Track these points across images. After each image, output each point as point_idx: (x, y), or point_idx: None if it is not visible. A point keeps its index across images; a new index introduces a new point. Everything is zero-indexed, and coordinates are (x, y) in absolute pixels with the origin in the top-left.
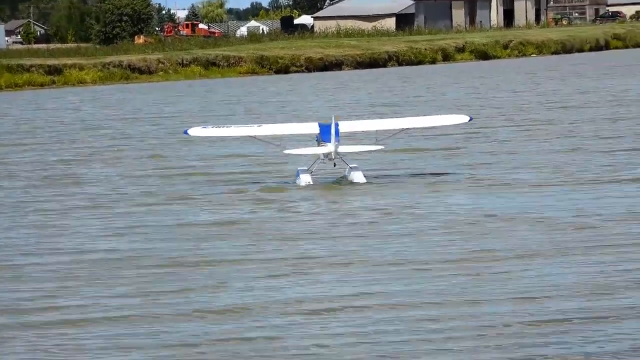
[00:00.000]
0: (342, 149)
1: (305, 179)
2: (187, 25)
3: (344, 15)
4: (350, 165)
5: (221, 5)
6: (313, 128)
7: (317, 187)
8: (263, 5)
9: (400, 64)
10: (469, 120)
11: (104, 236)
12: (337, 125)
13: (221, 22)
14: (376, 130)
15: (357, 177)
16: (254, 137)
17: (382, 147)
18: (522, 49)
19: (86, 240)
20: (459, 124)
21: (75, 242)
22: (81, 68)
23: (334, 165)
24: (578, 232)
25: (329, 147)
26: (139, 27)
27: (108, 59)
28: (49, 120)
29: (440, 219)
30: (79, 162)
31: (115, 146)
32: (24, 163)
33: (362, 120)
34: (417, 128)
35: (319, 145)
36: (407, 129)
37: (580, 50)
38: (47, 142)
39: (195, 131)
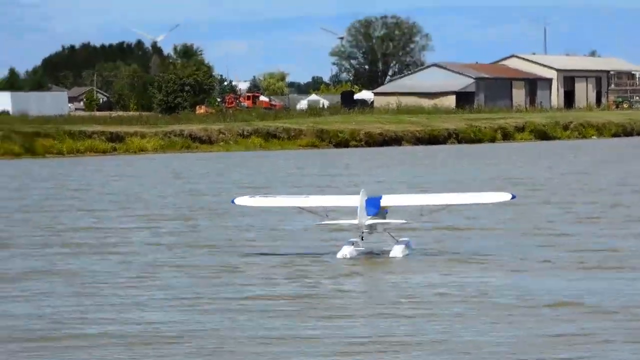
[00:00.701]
0: (367, 221)
1: (343, 252)
2: (248, 97)
3: (405, 92)
4: (400, 239)
5: (282, 78)
6: (356, 200)
7: (347, 262)
8: (324, 79)
9: (459, 142)
10: (511, 199)
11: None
12: (374, 199)
13: (282, 94)
14: (421, 206)
15: (394, 251)
16: (301, 207)
17: (405, 221)
18: (582, 131)
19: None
20: (501, 202)
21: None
22: (143, 136)
23: (362, 239)
24: None
25: (356, 220)
26: (201, 97)
27: (169, 128)
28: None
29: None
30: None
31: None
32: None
33: (407, 195)
34: (460, 205)
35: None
36: (449, 205)
37: None
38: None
39: (242, 200)
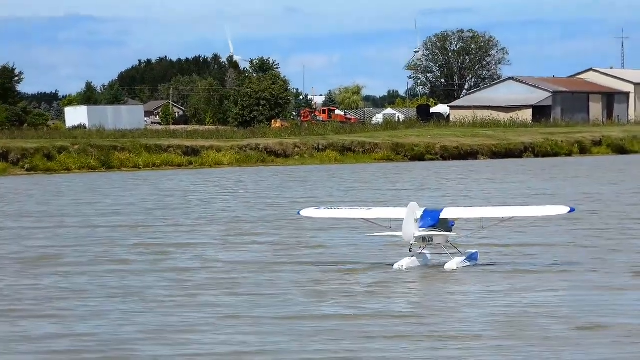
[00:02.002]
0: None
1: (399, 263)
2: (324, 111)
3: (481, 106)
4: (465, 251)
5: (358, 92)
6: (419, 213)
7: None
8: (400, 93)
9: (536, 155)
10: (570, 212)
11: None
12: (433, 212)
13: (357, 108)
14: (482, 218)
15: (449, 263)
16: (364, 219)
17: (458, 235)
18: None
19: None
20: (560, 214)
21: None
22: (218, 150)
23: (410, 251)
24: None
25: (401, 233)
26: (276, 111)
27: (245, 142)
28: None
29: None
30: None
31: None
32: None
33: (468, 208)
34: (519, 218)
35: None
36: (509, 217)
37: None
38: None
39: (307, 212)
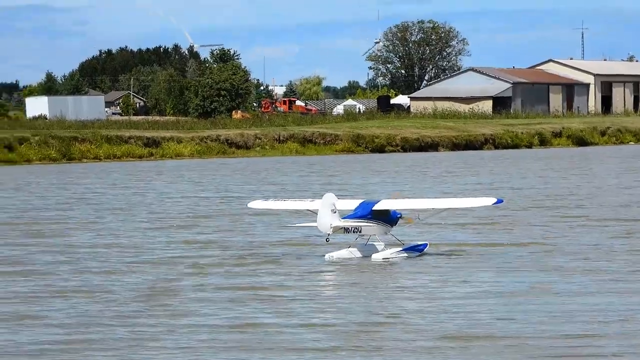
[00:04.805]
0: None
1: (330, 254)
2: (284, 102)
3: (441, 97)
4: (410, 243)
5: (319, 83)
6: (354, 205)
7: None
8: (360, 84)
9: (496, 147)
10: (496, 203)
11: None
12: (367, 203)
13: (318, 99)
14: (416, 209)
15: (376, 254)
16: (309, 210)
17: (371, 224)
18: (619, 137)
19: None
20: (486, 205)
21: None
22: (179, 141)
23: (327, 241)
24: None
25: (317, 224)
26: (237, 102)
27: (206, 133)
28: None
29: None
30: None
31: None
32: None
33: (404, 199)
34: (449, 209)
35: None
36: (437, 209)
37: None
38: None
39: (255, 204)
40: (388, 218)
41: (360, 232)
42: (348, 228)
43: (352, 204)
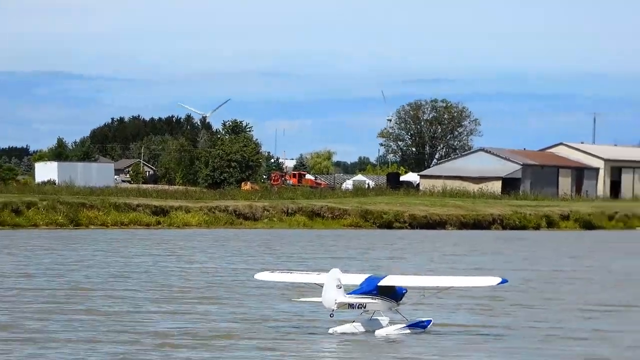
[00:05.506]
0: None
1: (334, 328)
2: (294, 175)
3: (451, 175)
4: (416, 319)
5: (329, 158)
6: (360, 279)
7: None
8: (370, 160)
9: (504, 228)
10: (500, 283)
11: None
12: (373, 279)
13: (328, 174)
14: (421, 287)
15: (380, 330)
16: (316, 284)
17: (375, 301)
18: (627, 221)
19: None
20: (491, 285)
21: None
22: (187, 210)
23: (331, 316)
24: None
25: (323, 299)
26: (247, 173)
27: (214, 203)
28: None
29: None
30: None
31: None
32: None
33: (410, 276)
34: (455, 288)
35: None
36: (444, 287)
37: None
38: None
39: (262, 275)
40: (393, 294)
41: (364, 308)
42: (353, 304)
43: (358, 279)
